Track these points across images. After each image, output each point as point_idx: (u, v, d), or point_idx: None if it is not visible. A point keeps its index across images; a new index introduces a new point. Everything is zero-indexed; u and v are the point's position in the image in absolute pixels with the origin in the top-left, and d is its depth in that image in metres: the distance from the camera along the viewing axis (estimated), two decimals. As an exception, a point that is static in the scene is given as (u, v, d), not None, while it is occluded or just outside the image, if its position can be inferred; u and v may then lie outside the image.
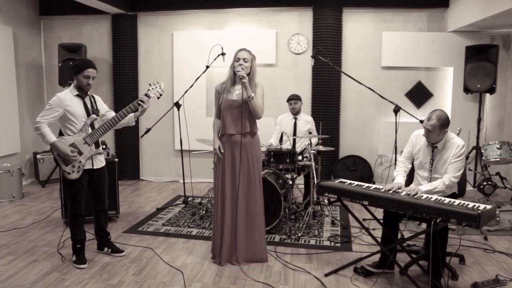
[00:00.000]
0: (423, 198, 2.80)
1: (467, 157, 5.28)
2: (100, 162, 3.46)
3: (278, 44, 6.17)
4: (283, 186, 4.14)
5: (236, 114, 3.30)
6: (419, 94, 6.04)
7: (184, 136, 5.05)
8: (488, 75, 5.53)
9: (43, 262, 3.42)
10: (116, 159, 4.53)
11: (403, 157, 3.33)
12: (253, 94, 3.23)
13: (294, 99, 5.05)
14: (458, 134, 3.63)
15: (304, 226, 4.25)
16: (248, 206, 3.38)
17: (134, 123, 3.53)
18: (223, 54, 4.78)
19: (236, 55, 3.30)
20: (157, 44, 6.44)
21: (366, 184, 3.17)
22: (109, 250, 3.59)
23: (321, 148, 4.66)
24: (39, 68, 6.66)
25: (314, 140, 4.83)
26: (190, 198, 5.29)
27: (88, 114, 3.31)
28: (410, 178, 3.32)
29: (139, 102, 3.36)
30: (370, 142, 6.21)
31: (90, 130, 3.30)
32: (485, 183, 4.93)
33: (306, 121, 5.10)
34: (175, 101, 5.10)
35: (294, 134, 5.00)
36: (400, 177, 3.20)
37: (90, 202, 3.51)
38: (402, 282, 3.10)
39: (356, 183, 3.21)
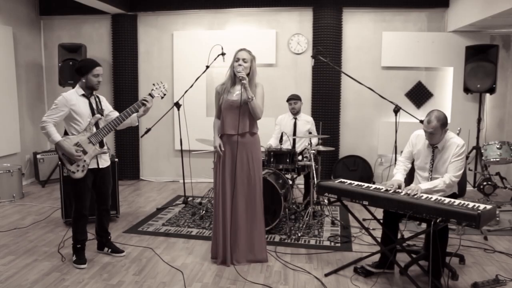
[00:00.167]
0: (423, 198, 2.80)
1: (467, 157, 5.29)
2: (105, 161, 3.47)
3: (278, 44, 6.17)
4: (283, 186, 4.14)
5: (236, 115, 3.30)
6: (419, 94, 6.04)
7: (184, 136, 5.05)
8: (488, 75, 5.52)
9: (43, 262, 3.42)
10: (116, 159, 4.53)
11: (403, 157, 3.33)
12: (253, 95, 3.23)
13: (294, 99, 5.04)
14: (458, 134, 3.62)
15: (304, 226, 4.25)
16: (248, 206, 3.38)
17: (137, 123, 3.55)
18: (223, 54, 4.78)
19: (236, 55, 3.30)
20: (157, 44, 6.44)
21: (366, 184, 3.17)
22: (109, 250, 3.59)
23: (321, 148, 4.66)
24: (39, 68, 6.66)
25: (314, 140, 4.83)
26: (190, 198, 5.29)
27: (93, 114, 3.34)
28: (410, 178, 3.33)
29: (143, 101, 3.37)
30: (370, 142, 6.21)
31: (94, 129, 3.33)
32: (485, 183, 4.93)
33: (306, 121, 5.10)
34: (175, 101, 5.10)
35: (294, 134, 5.00)
36: (399, 175, 3.20)
37: (92, 201, 3.51)
38: (402, 282, 3.10)
39: (356, 183, 3.21)
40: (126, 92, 6.42)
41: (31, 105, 6.47)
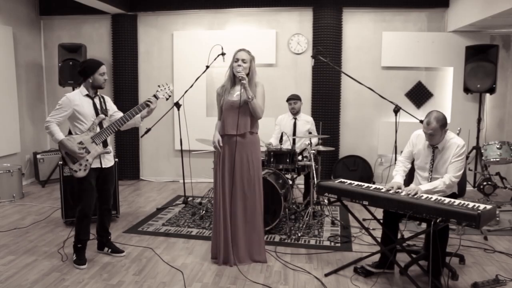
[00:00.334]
0: (423, 198, 2.80)
1: (467, 157, 5.28)
2: (108, 161, 3.48)
3: (278, 44, 6.17)
4: (283, 186, 4.14)
5: (237, 115, 3.30)
6: (419, 94, 6.04)
7: (184, 136, 5.05)
8: (488, 75, 5.52)
9: (43, 262, 3.42)
10: (116, 159, 4.51)
11: (403, 157, 3.33)
12: (253, 95, 3.23)
13: (293, 99, 5.05)
14: (458, 134, 3.62)
15: (304, 226, 4.25)
16: (247, 207, 3.38)
17: (140, 124, 3.56)
18: (223, 54, 4.78)
19: (235, 56, 3.30)
20: (157, 44, 6.44)
21: (366, 184, 3.17)
22: (109, 250, 3.60)
23: (321, 148, 4.67)
24: (39, 68, 6.66)
25: (314, 140, 4.83)
26: (190, 198, 5.29)
27: (97, 114, 3.36)
28: (410, 178, 3.33)
29: (147, 102, 3.38)
30: (370, 142, 6.21)
31: (98, 129, 3.34)
32: (485, 183, 4.93)
33: (305, 121, 5.10)
34: (175, 101, 5.10)
35: (294, 134, 5.00)
36: (398, 177, 3.20)
37: (95, 201, 3.52)
38: (402, 282, 3.10)
39: (356, 183, 3.21)
40: (126, 92, 6.42)
41: (31, 105, 6.47)
